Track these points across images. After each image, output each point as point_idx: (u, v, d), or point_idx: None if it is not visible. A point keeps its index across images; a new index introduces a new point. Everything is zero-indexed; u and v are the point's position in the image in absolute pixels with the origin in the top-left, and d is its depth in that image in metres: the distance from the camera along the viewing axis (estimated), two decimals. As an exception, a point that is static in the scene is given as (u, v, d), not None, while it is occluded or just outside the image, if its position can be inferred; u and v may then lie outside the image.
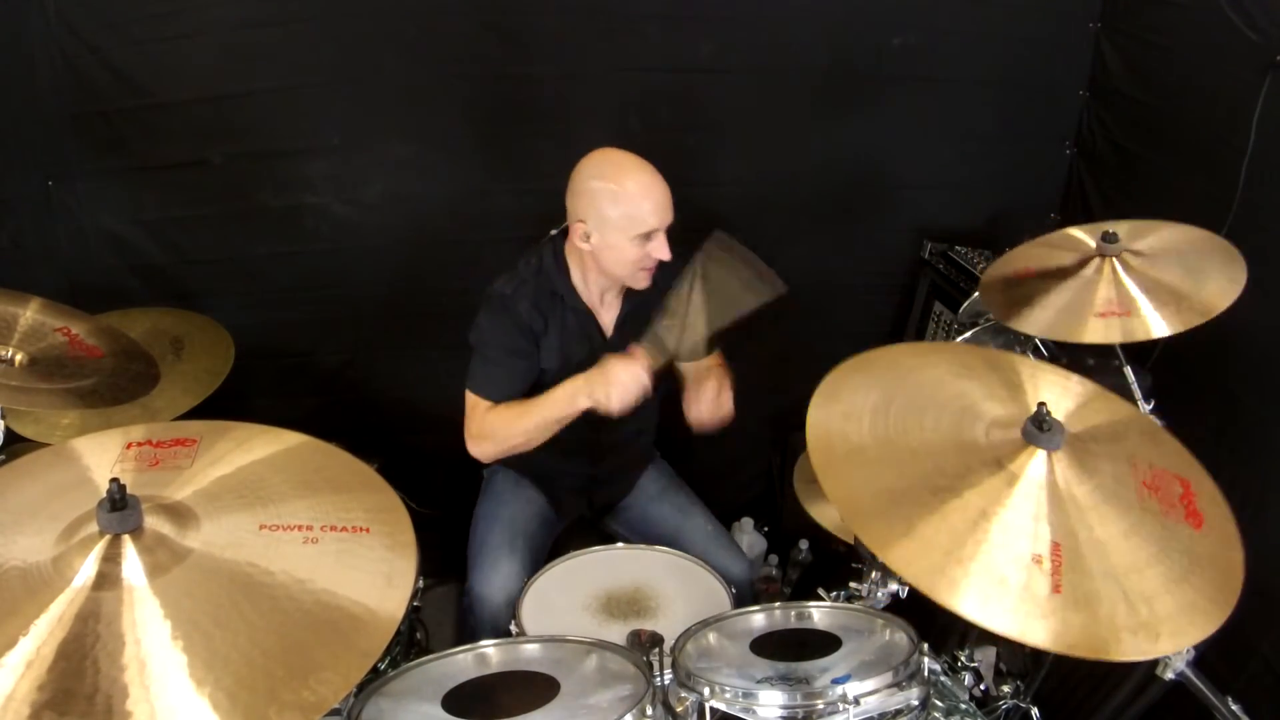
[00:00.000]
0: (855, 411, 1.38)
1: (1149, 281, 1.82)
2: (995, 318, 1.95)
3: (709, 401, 1.98)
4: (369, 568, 1.09)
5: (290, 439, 1.30)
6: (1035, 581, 1.15)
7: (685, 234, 2.20)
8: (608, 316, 2.06)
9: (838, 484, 1.29)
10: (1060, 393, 1.44)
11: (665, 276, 2.04)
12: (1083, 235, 1.99)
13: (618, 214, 1.86)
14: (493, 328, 1.97)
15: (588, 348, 2.03)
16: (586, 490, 2.23)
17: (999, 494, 1.24)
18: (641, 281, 1.95)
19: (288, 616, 1.00)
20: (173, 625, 0.96)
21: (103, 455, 1.20)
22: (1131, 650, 1.10)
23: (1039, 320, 1.85)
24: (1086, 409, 1.42)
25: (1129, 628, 1.11)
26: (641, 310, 2.04)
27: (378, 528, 1.15)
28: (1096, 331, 1.77)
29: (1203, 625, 1.14)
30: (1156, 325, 1.75)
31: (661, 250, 1.89)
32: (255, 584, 1.03)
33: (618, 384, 1.79)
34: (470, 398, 1.98)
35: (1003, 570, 1.16)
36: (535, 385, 2.03)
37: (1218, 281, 1.77)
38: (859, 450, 1.33)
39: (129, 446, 1.21)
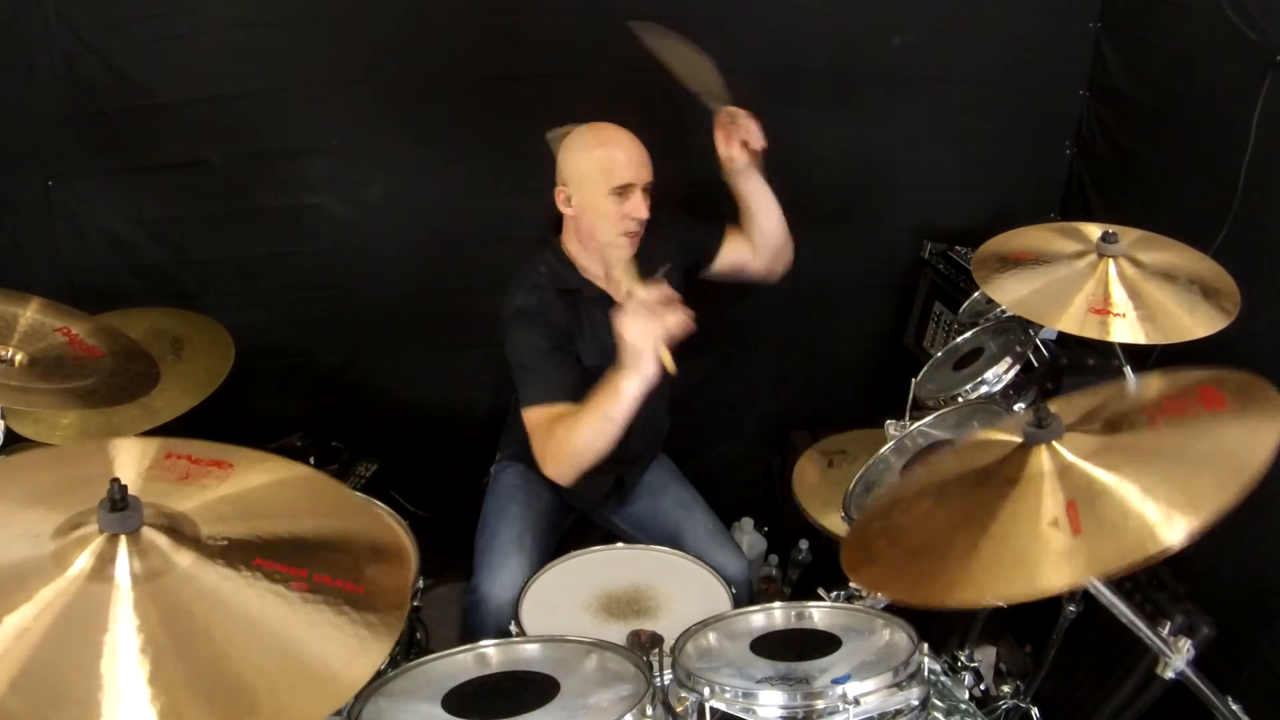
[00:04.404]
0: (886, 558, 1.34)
1: (1139, 292, 1.80)
2: (979, 284, 1.93)
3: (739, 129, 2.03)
4: (347, 629, 1.05)
5: (323, 485, 1.25)
6: (1056, 539, 1.12)
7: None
8: (615, 290, 2.05)
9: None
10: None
11: (655, 235, 2.06)
12: (1086, 230, 1.98)
13: (592, 168, 1.92)
14: (529, 337, 1.94)
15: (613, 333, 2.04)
16: (613, 471, 2.19)
17: (1016, 507, 1.20)
18: (624, 247, 1.96)
19: (249, 652, 0.99)
20: (142, 633, 0.96)
21: (138, 457, 1.19)
22: (1185, 520, 1.05)
23: (1017, 295, 1.84)
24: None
25: (1164, 511, 1.07)
26: (640, 269, 2.04)
27: (370, 590, 1.09)
28: (1074, 322, 1.75)
29: (1241, 469, 1.08)
30: (1136, 332, 1.73)
31: (639, 209, 1.91)
32: (230, 613, 1.02)
33: (640, 346, 1.71)
34: (531, 417, 1.91)
35: (1021, 546, 1.14)
36: (584, 382, 2.01)
37: (1205, 311, 1.75)
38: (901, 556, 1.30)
39: (168, 457, 1.20)
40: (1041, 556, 1.11)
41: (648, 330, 1.71)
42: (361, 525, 1.21)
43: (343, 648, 1.03)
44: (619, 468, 2.21)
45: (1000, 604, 1.19)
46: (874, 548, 1.32)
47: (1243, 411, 1.19)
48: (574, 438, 1.82)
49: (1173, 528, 1.05)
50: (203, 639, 0.98)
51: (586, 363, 2.00)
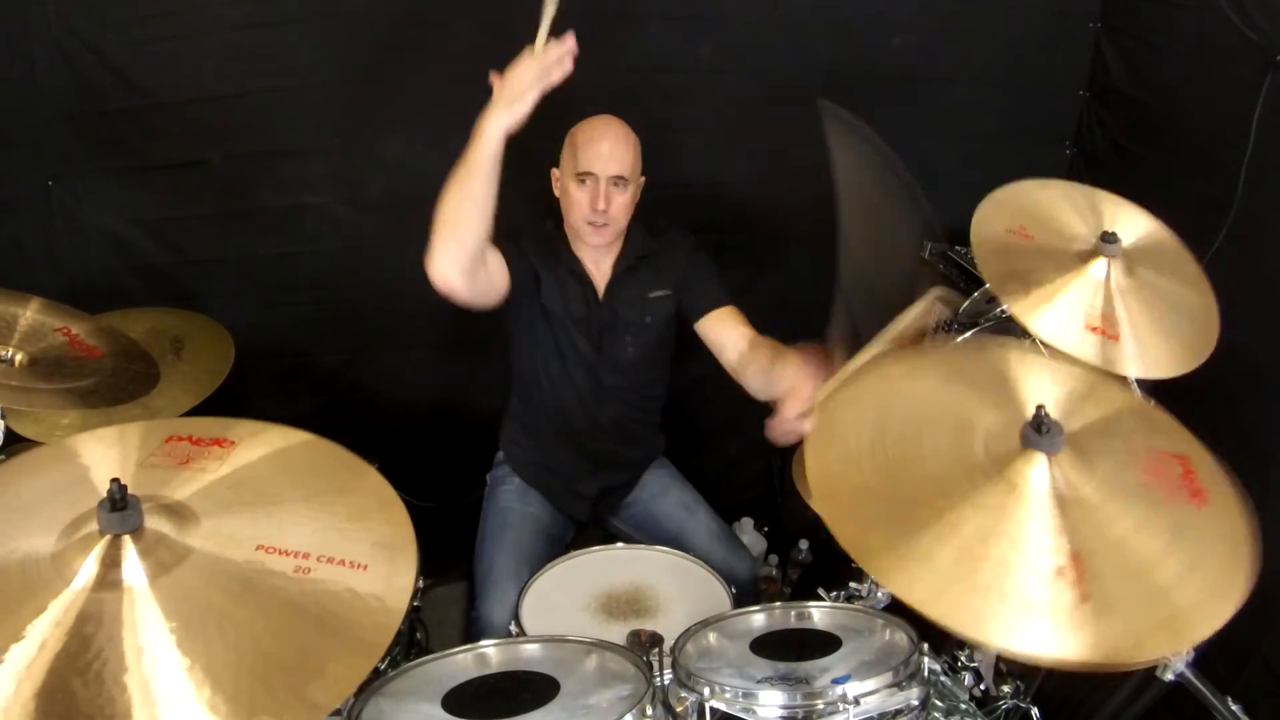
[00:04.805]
0: (852, 452, 1.32)
1: (1131, 309, 1.78)
2: (988, 283, 1.90)
3: (793, 405, 1.56)
4: (365, 576, 1.07)
5: (324, 450, 1.27)
6: (1062, 595, 1.12)
7: (687, 232, 2.22)
8: (601, 282, 2.12)
9: (849, 530, 1.23)
10: (1050, 380, 1.42)
11: (664, 254, 2.12)
12: (1089, 206, 1.95)
13: (568, 151, 1.99)
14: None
15: (584, 308, 2.09)
16: (591, 474, 2.23)
17: (1006, 509, 1.21)
18: (587, 234, 2.01)
19: (287, 617, 1.00)
20: (171, 628, 0.96)
21: (133, 448, 1.19)
22: (1165, 646, 1.09)
23: (1043, 319, 1.78)
24: (1079, 395, 1.40)
25: (1157, 624, 1.10)
26: (628, 278, 2.11)
27: (377, 567, 1.10)
28: (1080, 346, 1.71)
29: (1222, 608, 1.12)
30: (1123, 364, 1.70)
31: (597, 200, 1.94)
32: (248, 589, 1.02)
33: (524, 89, 1.71)
34: None
35: (1027, 590, 1.13)
36: (547, 325, 2.08)
37: (1185, 347, 1.75)
38: (865, 490, 1.28)
39: (169, 440, 1.20)
40: (1048, 612, 1.10)
41: (535, 79, 1.69)
42: (359, 487, 1.22)
43: (371, 583, 1.04)
44: (598, 474, 2.24)
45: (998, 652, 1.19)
46: (856, 501, 1.28)
47: (1218, 532, 1.22)
48: (443, 197, 1.77)
49: (1168, 642, 1.10)
50: (231, 621, 0.98)
51: (544, 298, 2.06)
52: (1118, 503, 1.24)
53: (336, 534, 1.12)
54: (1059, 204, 1.99)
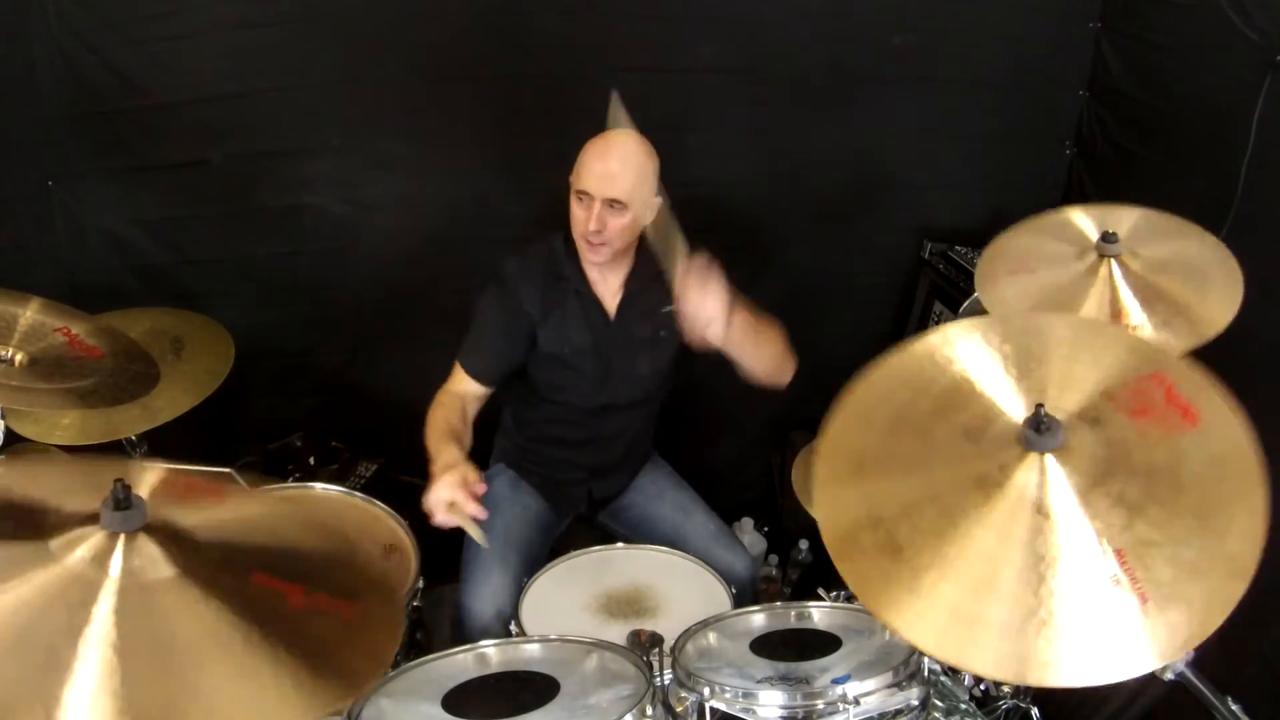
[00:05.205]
0: (868, 499, 1.22)
1: (1147, 291, 1.75)
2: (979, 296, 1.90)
3: (694, 297, 1.76)
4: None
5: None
6: (1123, 605, 1.03)
7: (685, 235, 2.21)
8: (611, 302, 2.07)
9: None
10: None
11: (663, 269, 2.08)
12: (1084, 223, 1.91)
13: (577, 163, 1.95)
14: (492, 304, 2.02)
15: (589, 334, 2.05)
16: (585, 482, 2.23)
17: (1043, 539, 1.09)
18: (584, 250, 1.99)
19: (282, 646, 0.99)
20: (168, 633, 0.96)
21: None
22: (1234, 595, 1.02)
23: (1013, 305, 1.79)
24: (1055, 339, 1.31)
25: (1214, 584, 1.03)
26: (641, 296, 2.07)
27: (371, 603, 1.08)
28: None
29: (1254, 528, 1.05)
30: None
31: (590, 220, 1.91)
32: (204, 633, 1.00)
33: (431, 495, 1.76)
34: (456, 365, 2.03)
35: (1091, 622, 1.04)
36: (543, 368, 2.07)
37: (1218, 293, 1.71)
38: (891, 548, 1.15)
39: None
40: (1116, 636, 1.02)
41: (435, 503, 1.76)
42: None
43: (367, 617, 1.04)
44: (596, 481, 2.24)
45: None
46: (873, 560, 1.16)
47: (1215, 433, 1.13)
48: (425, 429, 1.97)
49: (1229, 592, 1.00)
50: (168, 652, 0.96)
51: (543, 347, 2.03)
52: (1131, 460, 1.13)
53: (339, 568, 1.12)
54: (1054, 229, 1.95)
